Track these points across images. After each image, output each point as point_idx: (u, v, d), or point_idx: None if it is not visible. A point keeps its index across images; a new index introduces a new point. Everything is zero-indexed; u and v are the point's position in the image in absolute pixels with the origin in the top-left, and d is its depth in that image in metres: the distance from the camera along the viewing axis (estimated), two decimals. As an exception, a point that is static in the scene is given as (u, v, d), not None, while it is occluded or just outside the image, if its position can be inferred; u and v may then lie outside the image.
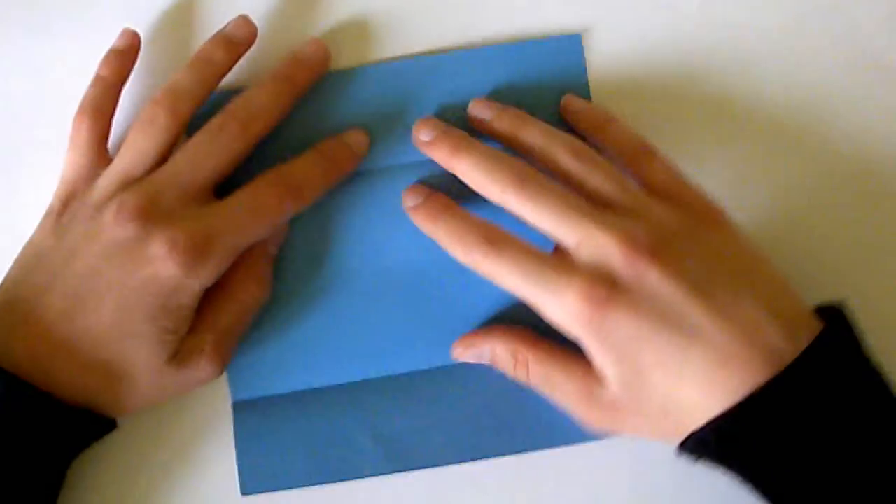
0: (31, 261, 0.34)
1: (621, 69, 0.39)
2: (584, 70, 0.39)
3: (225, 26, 0.37)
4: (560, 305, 0.32)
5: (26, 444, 0.33)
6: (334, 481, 0.37)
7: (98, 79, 0.37)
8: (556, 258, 0.33)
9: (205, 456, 0.38)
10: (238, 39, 0.37)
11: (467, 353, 0.37)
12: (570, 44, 0.39)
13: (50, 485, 0.34)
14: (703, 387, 0.32)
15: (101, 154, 0.36)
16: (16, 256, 0.35)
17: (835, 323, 0.33)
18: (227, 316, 0.36)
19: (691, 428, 0.32)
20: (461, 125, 0.37)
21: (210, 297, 0.35)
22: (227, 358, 0.36)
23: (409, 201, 0.37)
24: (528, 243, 0.33)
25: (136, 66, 0.38)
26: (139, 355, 0.34)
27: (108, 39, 0.38)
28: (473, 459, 0.37)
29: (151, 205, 0.33)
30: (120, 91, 0.37)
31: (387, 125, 0.38)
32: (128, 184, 0.34)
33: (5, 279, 0.34)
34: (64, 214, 0.35)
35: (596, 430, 0.34)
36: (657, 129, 0.38)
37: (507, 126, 0.36)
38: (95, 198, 0.34)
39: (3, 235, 0.36)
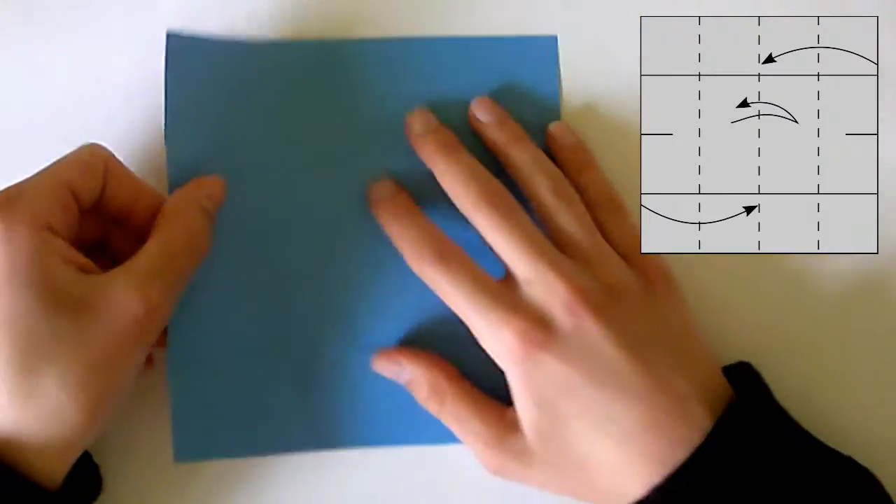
0: None
1: (597, 76, 0.39)
2: (556, 73, 0.39)
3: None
4: (496, 338, 0.33)
5: None
6: (265, 454, 0.36)
7: None
8: (504, 288, 0.33)
9: (139, 420, 0.36)
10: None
11: (387, 366, 0.36)
12: (546, 45, 0.39)
13: None
14: (623, 446, 0.32)
15: None
16: None
17: (744, 387, 0.33)
18: (148, 257, 0.33)
19: (601, 486, 0.32)
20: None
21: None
22: (153, 292, 0.31)
23: (375, 194, 0.37)
24: (479, 267, 0.34)
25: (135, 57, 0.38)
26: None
27: (108, 39, 0.38)
28: (402, 444, 0.37)
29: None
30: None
31: (340, 102, 0.38)
32: None
33: None
34: None
35: (498, 476, 0.34)
36: (616, 142, 0.39)
37: (503, 138, 0.37)
38: None
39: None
